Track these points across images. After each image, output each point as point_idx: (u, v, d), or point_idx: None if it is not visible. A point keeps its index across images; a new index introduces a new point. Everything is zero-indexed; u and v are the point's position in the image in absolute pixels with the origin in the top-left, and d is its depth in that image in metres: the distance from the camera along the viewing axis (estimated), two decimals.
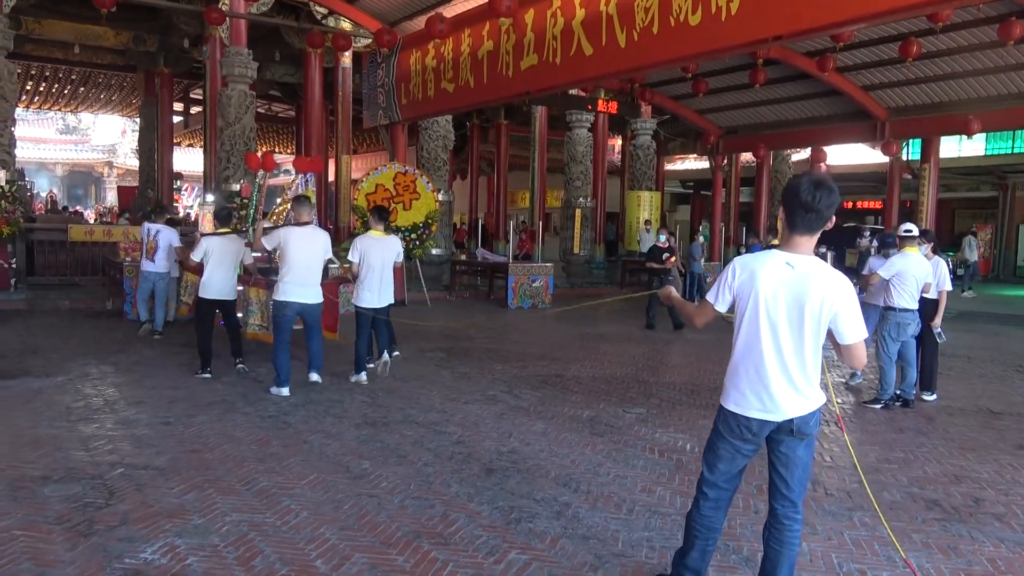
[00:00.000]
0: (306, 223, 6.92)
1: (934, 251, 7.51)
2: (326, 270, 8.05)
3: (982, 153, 24.13)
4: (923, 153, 16.62)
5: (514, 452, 5.40)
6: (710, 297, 3.12)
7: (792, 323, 2.92)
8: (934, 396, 7.45)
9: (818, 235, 2.96)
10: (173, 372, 7.71)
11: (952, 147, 23.22)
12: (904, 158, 18.79)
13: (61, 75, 24.41)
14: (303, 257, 6.75)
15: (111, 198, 37.73)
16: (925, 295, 7.36)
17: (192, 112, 28.01)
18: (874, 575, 3.64)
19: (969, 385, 8.28)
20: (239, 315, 8.16)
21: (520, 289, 14.51)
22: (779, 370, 2.94)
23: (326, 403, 6.60)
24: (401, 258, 7.74)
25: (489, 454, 5.33)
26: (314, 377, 7.13)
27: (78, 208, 31.71)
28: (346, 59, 16.34)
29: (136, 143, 26.47)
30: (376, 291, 7.37)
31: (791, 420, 2.96)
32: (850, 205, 30.74)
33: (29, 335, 9.68)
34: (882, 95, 15.68)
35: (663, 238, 13.33)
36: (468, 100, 12.20)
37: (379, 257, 7.34)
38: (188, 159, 35.26)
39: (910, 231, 7.17)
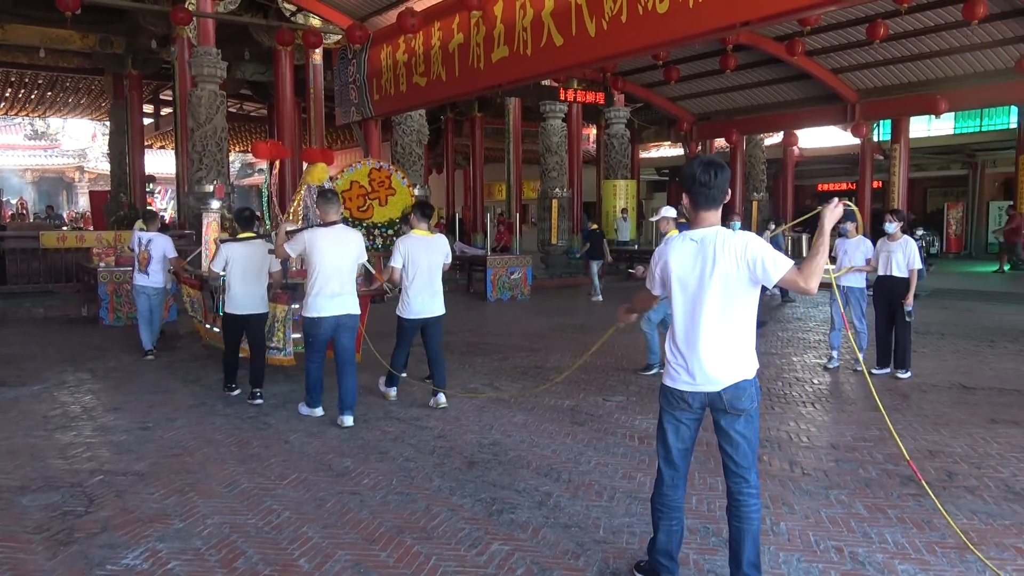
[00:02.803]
0: (334, 222, 6.00)
1: (903, 231, 7.62)
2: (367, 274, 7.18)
3: (951, 132, 24.43)
4: (893, 134, 16.84)
5: (495, 444, 5.43)
6: (648, 284, 3.37)
7: (712, 293, 3.05)
8: (908, 374, 7.56)
9: (721, 207, 3.13)
10: (151, 377, 7.66)
11: (921, 127, 23.48)
12: (875, 139, 18.98)
13: (27, 80, 24.06)
14: (332, 262, 5.85)
15: (83, 203, 37.28)
16: (894, 274, 7.49)
17: (162, 114, 27.76)
18: (850, 551, 3.71)
19: (942, 361, 8.41)
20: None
21: (499, 281, 14.54)
22: (703, 341, 3.07)
23: None
24: (450, 259, 6.72)
25: (470, 447, 5.36)
26: (348, 421, 5.89)
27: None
28: (317, 56, 16.26)
29: (107, 147, 26.15)
30: (425, 298, 6.42)
31: (719, 393, 3.07)
32: (823, 187, 30.98)
33: (3, 345, 9.56)
34: (851, 77, 15.83)
35: (773, 225, 13.23)
36: (441, 94, 12.15)
37: (426, 259, 6.39)
38: (160, 161, 34.93)
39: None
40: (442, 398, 6.52)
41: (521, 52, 9.86)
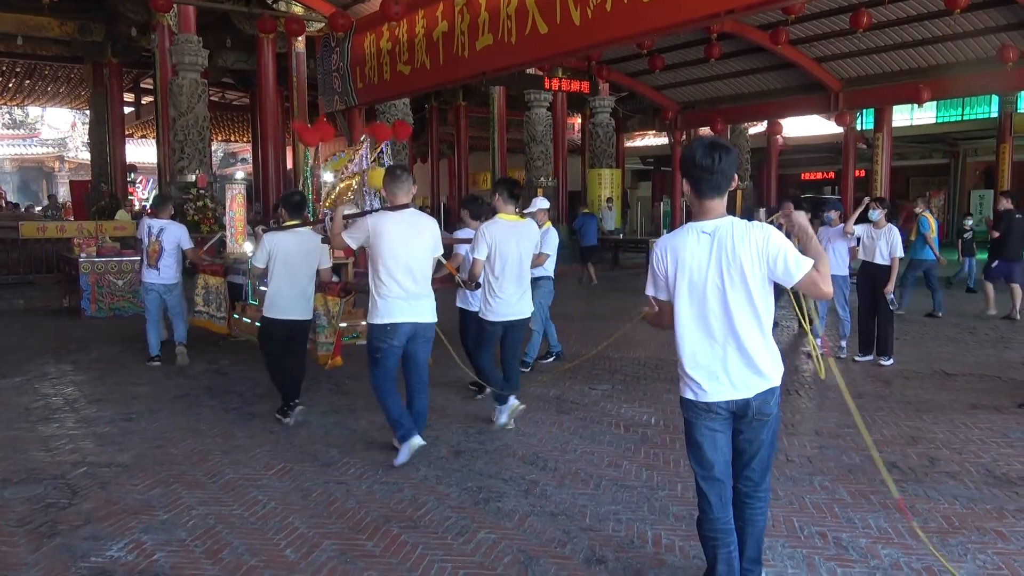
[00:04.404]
0: (404, 206, 4.80)
1: (887, 218, 7.66)
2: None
3: (933, 121, 24.62)
4: (876, 122, 16.89)
5: (481, 433, 5.43)
6: (650, 292, 2.92)
7: (735, 294, 2.74)
8: (891, 361, 7.62)
9: (726, 195, 2.80)
10: (135, 368, 7.60)
11: (904, 116, 23.64)
12: (858, 128, 19.09)
13: (5, 68, 23.69)
14: (404, 255, 4.69)
15: (63, 193, 36.86)
16: (877, 262, 7.54)
17: (143, 102, 27.42)
18: (834, 536, 3.74)
19: (924, 348, 8.49)
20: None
21: None
22: (730, 344, 2.77)
23: None
24: (539, 249, 5.82)
25: (456, 436, 5.36)
26: (418, 441, 4.81)
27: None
28: (299, 44, 16.13)
29: (87, 136, 25.83)
30: (513, 296, 5.45)
31: (748, 401, 2.78)
32: (807, 176, 31.17)
33: None
34: (835, 66, 15.86)
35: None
36: (425, 82, 12.09)
37: (515, 249, 5.39)
38: (141, 151, 34.55)
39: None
40: (513, 399, 5.56)
41: (505, 40, 9.81)
